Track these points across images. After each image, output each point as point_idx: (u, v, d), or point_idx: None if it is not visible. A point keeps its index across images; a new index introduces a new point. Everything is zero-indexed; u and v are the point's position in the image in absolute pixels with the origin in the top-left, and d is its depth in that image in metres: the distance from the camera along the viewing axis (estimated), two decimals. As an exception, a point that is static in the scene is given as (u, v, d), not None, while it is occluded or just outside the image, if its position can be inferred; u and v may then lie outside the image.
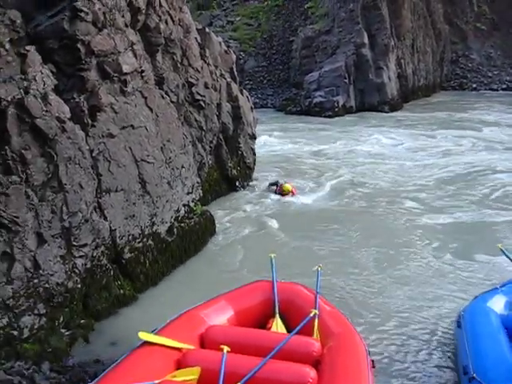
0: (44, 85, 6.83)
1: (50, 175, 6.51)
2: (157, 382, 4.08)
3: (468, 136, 20.69)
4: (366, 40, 29.08)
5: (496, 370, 4.67)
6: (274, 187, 13.16)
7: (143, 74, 8.87)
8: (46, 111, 6.63)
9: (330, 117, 26.87)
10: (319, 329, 5.26)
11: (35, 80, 6.70)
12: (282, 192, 12.76)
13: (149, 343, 4.65)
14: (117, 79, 8.12)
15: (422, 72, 35.34)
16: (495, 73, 39.21)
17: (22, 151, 6.19)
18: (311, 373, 4.37)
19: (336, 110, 27.45)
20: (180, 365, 4.55)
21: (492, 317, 5.69)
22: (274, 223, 11.01)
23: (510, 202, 12.22)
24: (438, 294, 7.69)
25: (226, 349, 4.54)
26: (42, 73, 6.87)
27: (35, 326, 6.07)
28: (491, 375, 4.61)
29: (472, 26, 41.45)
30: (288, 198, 12.61)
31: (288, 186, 12.84)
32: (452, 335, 6.44)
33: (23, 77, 6.58)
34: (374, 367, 4.86)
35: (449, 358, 6.12)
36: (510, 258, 7.08)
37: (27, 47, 6.77)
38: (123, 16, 8.58)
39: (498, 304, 6.02)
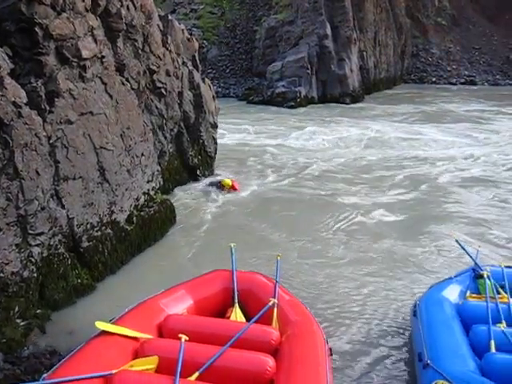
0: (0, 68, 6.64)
1: (5, 161, 6.34)
2: (114, 371, 4.05)
3: (428, 127, 21.21)
4: (328, 31, 29.27)
5: (450, 357, 4.77)
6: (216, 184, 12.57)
7: (103, 60, 8.71)
8: (2, 96, 6.44)
9: (292, 107, 27.02)
10: (278, 318, 5.30)
11: (-10, 63, 6.52)
12: (221, 187, 12.27)
13: (106, 333, 4.60)
14: (76, 64, 7.94)
15: (384, 65, 35.85)
16: (454, 67, 40.05)
17: (-24, 136, 6.02)
18: (270, 361, 4.38)
19: (298, 100, 27.62)
20: (138, 354, 4.52)
21: (446, 306, 5.82)
22: (234, 213, 11.02)
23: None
24: (394, 283, 7.82)
25: (183, 338, 4.53)
26: (-3, 56, 6.68)
27: (-11, 316, 5.94)
28: (445, 362, 4.70)
29: (433, 21, 42.24)
30: (229, 193, 12.11)
31: (228, 181, 12.39)
32: (408, 324, 6.57)
33: (-22, 60, 6.39)
34: (331, 355, 4.93)
35: (404, 345, 6.24)
36: (463, 249, 7.27)
37: (-18, 29, 6.57)
38: (83, 0, 8.39)
39: (452, 293, 6.15)
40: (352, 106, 28.17)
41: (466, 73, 39.40)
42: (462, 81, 38.43)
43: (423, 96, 31.74)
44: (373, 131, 20.50)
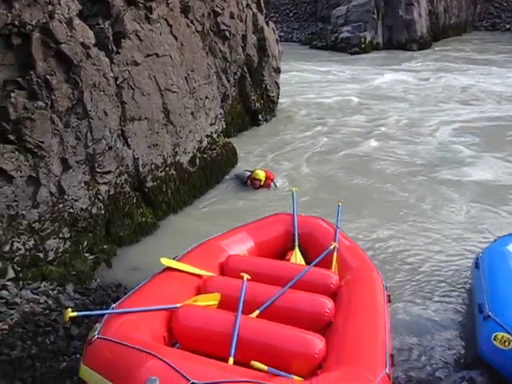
0: (69, 9, 6.70)
1: (74, 101, 6.50)
2: (178, 305, 4.20)
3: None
4: (397, -27, 28.06)
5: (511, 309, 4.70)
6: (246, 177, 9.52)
7: (169, 2, 8.68)
8: (71, 36, 6.54)
9: (356, 53, 26.41)
10: (338, 262, 5.33)
11: (60, 4, 6.57)
12: (252, 180, 9.31)
13: (170, 269, 4.75)
14: (142, 6, 7.96)
15: (454, 10, 34.14)
16: (531, 13, 37.74)
17: (47, 76, 6.15)
18: (329, 304, 4.43)
19: (363, 46, 26.94)
20: (200, 291, 4.65)
21: (510, 259, 5.69)
22: (297, 158, 10.98)
23: None
24: (457, 235, 7.68)
25: (246, 276, 4.63)
26: (66, -3, 6.75)
27: (60, 249, 6.24)
28: (506, 314, 4.64)
29: (510, -39, 39.64)
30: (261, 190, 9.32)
31: (260, 172, 9.32)
32: (467, 276, 6.48)
33: (48, 1, 6.45)
34: (389, 302, 4.93)
35: (464, 296, 6.18)
36: None
37: (52, -30, 6.62)
38: None
39: (517, 247, 6.01)
40: (419, 52, 27.12)
41: (545, 19, 37.14)
42: (539, 28, 36.29)
43: (498, 44, 30.08)
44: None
